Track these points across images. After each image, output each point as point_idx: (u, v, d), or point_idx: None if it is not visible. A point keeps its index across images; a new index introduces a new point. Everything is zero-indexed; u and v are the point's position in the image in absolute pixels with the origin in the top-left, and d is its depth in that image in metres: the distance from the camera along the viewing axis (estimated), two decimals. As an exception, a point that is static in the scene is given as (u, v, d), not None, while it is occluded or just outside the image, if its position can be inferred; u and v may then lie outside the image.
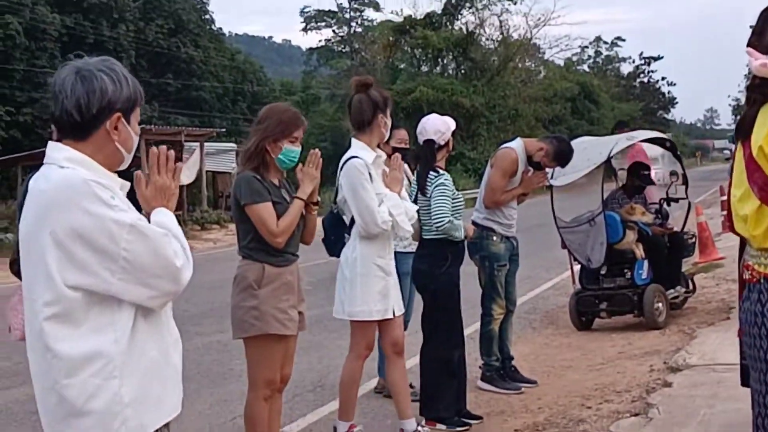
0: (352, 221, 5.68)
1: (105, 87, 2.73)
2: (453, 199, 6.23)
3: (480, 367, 7.37)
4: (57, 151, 2.73)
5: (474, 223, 7.24)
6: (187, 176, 28.29)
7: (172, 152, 2.91)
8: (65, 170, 2.67)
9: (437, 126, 6.44)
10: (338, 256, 5.82)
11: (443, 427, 6.25)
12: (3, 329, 4.00)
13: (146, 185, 2.87)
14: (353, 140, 5.73)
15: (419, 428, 5.87)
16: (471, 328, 9.84)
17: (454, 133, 6.61)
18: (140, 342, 2.74)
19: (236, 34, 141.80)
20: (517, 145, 7.31)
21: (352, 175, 5.53)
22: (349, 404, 5.84)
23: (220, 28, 63.26)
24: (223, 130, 41.85)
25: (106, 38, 46.37)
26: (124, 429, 2.67)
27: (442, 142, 6.42)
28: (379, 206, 5.49)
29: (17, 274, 3.48)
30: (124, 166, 2.86)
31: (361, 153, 5.60)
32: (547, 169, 7.56)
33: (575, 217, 9.50)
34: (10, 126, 38.22)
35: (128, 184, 2.84)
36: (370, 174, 5.53)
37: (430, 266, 6.23)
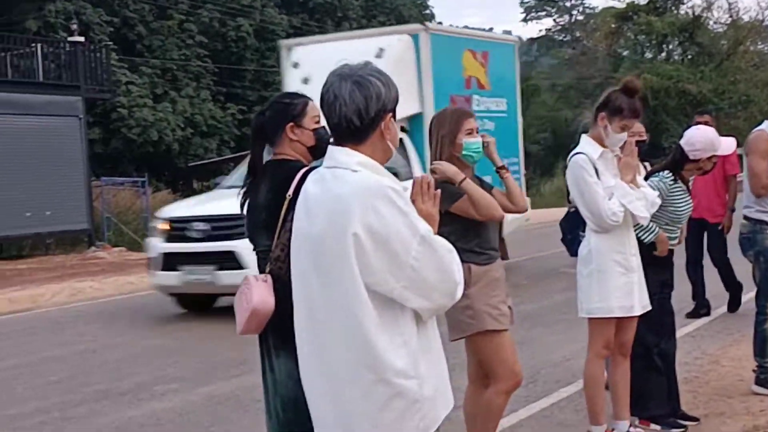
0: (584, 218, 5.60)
1: (379, 90, 2.85)
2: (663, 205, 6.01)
3: (753, 370, 7.02)
4: (347, 156, 2.85)
5: (746, 217, 6.95)
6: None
7: (431, 180, 2.99)
8: (360, 174, 2.80)
9: (694, 139, 6.15)
10: (573, 255, 5.78)
11: (657, 427, 6.10)
12: (231, 322, 4.22)
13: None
14: (583, 135, 5.68)
15: (631, 429, 5.76)
16: (690, 327, 9.60)
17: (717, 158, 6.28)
18: (426, 341, 2.87)
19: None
20: (766, 125, 6.97)
21: (574, 171, 5.48)
22: (597, 407, 5.68)
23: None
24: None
25: (330, 37, 47.89)
26: (423, 425, 2.80)
27: (691, 157, 6.17)
28: (610, 200, 5.36)
29: (278, 273, 3.70)
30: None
31: (586, 148, 5.52)
32: None
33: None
34: (242, 124, 40.16)
35: (409, 187, 2.95)
36: (596, 169, 5.43)
37: None
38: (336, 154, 2.89)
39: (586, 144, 5.55)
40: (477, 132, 5.01)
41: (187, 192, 35.99)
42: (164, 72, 38.81)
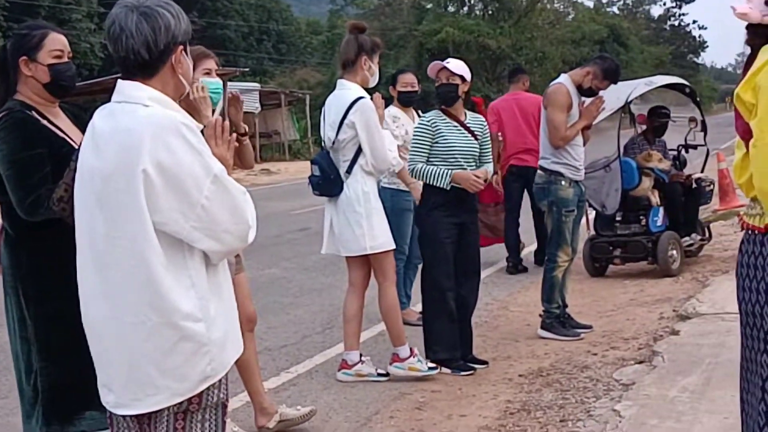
0: (353, 160, 5.81)
1: (168, 22, 2.73)
2: (432, 144, 6.20)
3: (540, 315, 7.30)
4: (138, 90, 2.74)
5: (542, 168, 7.19)
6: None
7: (227, 123, 2.96)
8: (151, 109, 2.69)
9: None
10: (334, 195, 5.86)
11: (447, 370, 6.28)
12: None
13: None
14: (343, 81, 5.91)
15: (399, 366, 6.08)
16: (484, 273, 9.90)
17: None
18: (216, 284, 2.80)
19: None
20: (563, 79, 7.24)
21: (367, 115, 5.73)
22: (401, 329, 6.13)
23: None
24: (247, 69, 41.74)
25: (131, -25, 46.15)
26: (210, 368, 2.75)
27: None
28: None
29: (62, 214, 3.44)
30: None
31: (364, 93, 5.80)
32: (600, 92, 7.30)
33: (591, 163, 9.38)
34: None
35: (201, 126, 2.87)
36: None
37: (418, 206, 6.50)
38: (126, 88, 2.77)
39: (360, 90, 5.82)
40: (216, 73, 4.83)
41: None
42: (-51, 4, 36.44)
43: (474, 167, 6.26)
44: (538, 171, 7.26)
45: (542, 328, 7.25)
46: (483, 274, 9.72)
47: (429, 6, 54.99)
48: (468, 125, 6.30)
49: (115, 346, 2.75)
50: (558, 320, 7.26)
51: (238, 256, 4.95)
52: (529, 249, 10.63)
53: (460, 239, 6.29)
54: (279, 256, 11.64)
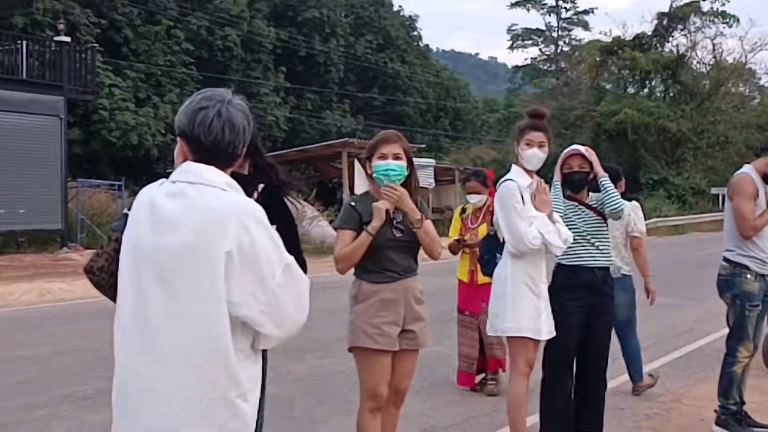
0: (504, 242, 5.86)
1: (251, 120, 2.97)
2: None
3: (715, 410, 7.06)
4: (216, 175, 2.84)
5: (726, 260, 6.97)
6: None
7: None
8: (231, 193, 2.82)
9: None
10: (491, 275, 5.96)
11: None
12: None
13: None
14: (513, 165, 5.97)
15: None
16: (655, 363, 9.64)
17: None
18: (258, 372, 2.93)
19: (443, 50, 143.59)
20: (747, 168, 7.06)
21: (504, 196, 5.78)
22: (520, 426, 5.86)
23: (427, 45, 64.36)
24: (423, 145, 42.45)
25: (317, 52, 48.00)
26: None
27: None
28: (529, 227, 5.65)
29: (99, 283, 3.40)
30: None
31: (516, 177, 5.83)
32: None
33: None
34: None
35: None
36: (522, 197, 5.73)
37: (550, 285, 6.28)
38: (202, 171, 2.85)
39: (515, 173, 5.87)
40: (394, 157, 5.11)
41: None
42: (148, 77, 38.77)
43: (607, 242, 6.24)
44: (722, 262, 7.04)
45: (717, 424, 7.00)
46: (656, 364, 9.59)
47: (608, 87, 54.75)
48: (590, 204, 6.27)
49: (156, 425, 2.76)
50: (734, 417, 6.99)
51: (411, 332, 5.09)
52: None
53: (588, 321, 6.13)
54: (446, 333, 11.66)
